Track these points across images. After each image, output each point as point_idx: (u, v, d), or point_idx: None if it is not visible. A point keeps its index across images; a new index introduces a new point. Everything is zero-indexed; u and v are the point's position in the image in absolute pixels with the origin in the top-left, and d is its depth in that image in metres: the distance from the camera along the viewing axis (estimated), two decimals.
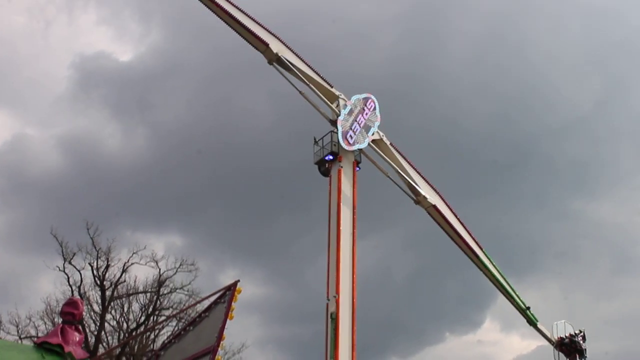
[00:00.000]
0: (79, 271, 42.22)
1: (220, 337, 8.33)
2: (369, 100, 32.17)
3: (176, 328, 40.62)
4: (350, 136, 30.73)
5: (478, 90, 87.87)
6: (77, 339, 8.82)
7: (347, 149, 30.66)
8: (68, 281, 42.09)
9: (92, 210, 62.97)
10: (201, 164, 79.73)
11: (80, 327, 9.10)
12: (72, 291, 41.66)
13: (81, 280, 42.15)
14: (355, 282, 29.64)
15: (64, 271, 42.04)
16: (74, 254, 42.04)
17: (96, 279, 42.43)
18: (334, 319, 28.36)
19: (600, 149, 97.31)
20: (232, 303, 8.37)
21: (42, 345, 8.63)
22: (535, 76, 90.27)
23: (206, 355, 8.43)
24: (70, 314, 9.08)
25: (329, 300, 29.16)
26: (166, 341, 11.55)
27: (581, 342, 37.97)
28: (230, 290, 8.48)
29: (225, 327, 8.31)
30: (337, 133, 30.73)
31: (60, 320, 9.09)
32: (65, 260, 41.97)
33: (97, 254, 42.40)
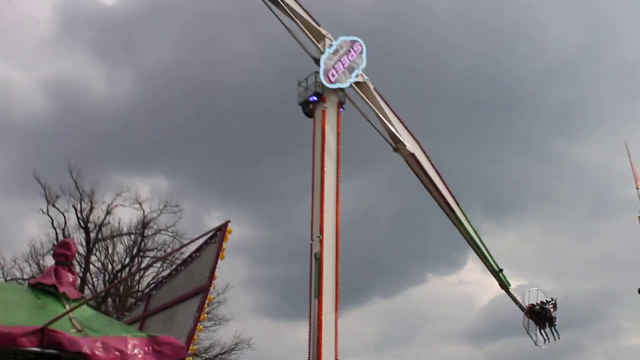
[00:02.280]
0: (62, 214, 42.27)
1: (212, 276, 8.49)
2: (356, 43, 31.87)
3: (161, 269, 41.07)
4: (332, 74, 30.54)
5: (467, 29, 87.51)
6: (71, 279, 8.94)
7: (327, 85, 30.46)
8: (52, 224, 42.15)
9: (76, 153, 62.75)
10: (187, 105, 79.32)
11: (73, 269, 9.23)
12: (57, 234, 41.77)
13: (65, 223, 42.22)
14: (339, 222, 29.94)
15: (47, 214, 42.07)
16: (57, 197, 42.04)
17: (80, 221, 42.54)
18: (318, 259, 28.73)
19: (584, 92, 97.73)
20: (223, 243, 8.51)
21: (36, 286, 8.77)
22: (524, 16, 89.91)
23: (198, 294, 8.60)
24: (63, 255, 9.17)
25: (312, 240, 29.47)
26: (157, 281, 11.73)
27: (552, 310, 37.64)
28: (220, 231, 8.61)
29: (217, 266, 8.48)
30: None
31: (54, 261, 9.21)
32: (48, 203, 41.97)
33: (81, 197, 42.42)
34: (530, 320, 37.48)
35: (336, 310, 28.72)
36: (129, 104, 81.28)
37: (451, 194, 34.00)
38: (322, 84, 30.40)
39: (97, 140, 69.62)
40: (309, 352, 27.86)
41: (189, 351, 8.26)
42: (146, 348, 7.87)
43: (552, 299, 38.20)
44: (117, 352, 7.61)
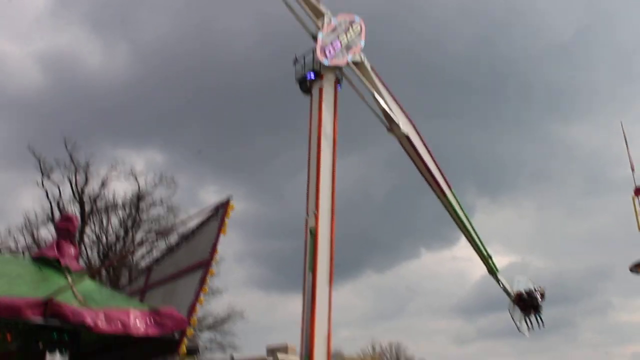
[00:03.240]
0: (57, 186, 42.30)
1: (214, 251, 8.60)
2: (356, 23, 31.61)
3: (156, 243, 41.23)
4: (329, 51, 30.27)
5: (463, 12, 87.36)
6: (73, 252, 9.05)
7: (323, 62, 30.21)
8: (47, 196, 42.19)
9: (71, 126, 62.79)
10: (184, 82, 79.15)
11: (75, 242, 9.32)
12: (52, 206, 41.85)
13: (60, 195, 42.26)
14: (335, 198, 30.00)
15: (42, 186, 42.08)
16: (52, 169, 42.06)
17: (75, 194, 42.59)
18: (313, 234, 28.83)
19: (579, 75, 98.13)
20: (225, 219, 8.60)
21: (39, 259, 8.87)
22: (520, 0, 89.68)
23: (200, 268, 8.71)
24: (65, 228, 9.28)
25: (308, 216, 29.55)
26: (158, 255, 11.84)
27: (539, 299, 37.51)
28: (223, 207, 8.70)
29: (219, 242, 8.59)
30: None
31: (56, 234, 9.31)
32: (43, 175, 41.97)
33: (76, 169, 42.41)
34: (517, 307, 37.37)
35: (330, 283, 28.89)
36: (125, 78, 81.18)
37: (444, 177, 33.75)
38: (320, 61, 30.29)
39: (93, 113, 69.59)
40: (302, 324, 28.07)
41: (191, 323, 8.38)
42: (148, 320, 7.99)
43: (541, 288, 38.12)
44: (119, 324, 7.74)
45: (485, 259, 36.19)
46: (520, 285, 37.90)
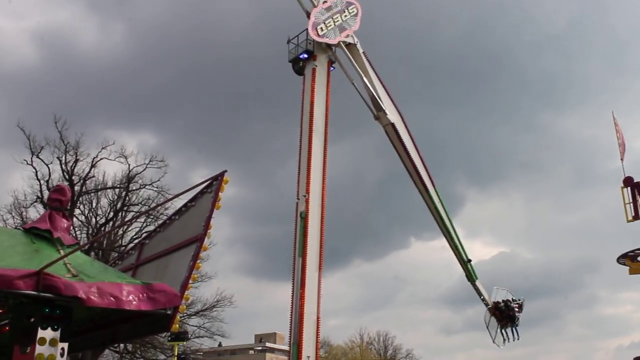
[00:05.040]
0: (47, 165, 41.99)
1: (207, 225, 8.48)
2: (352, 5, 31.22)
3: (145, 224, 41.05)
4: (321, 28, 29.93)
5: None
6: (65, 225, 8.89)
7: (314, 38, 29.89)
8: (36, 175, 41.89)
9: (63, 104, 62.14)
10: (179, 62, 78.65)
11: (67, 214, 9.17)
12: (40, 185, 41.54)
13: (49, 175, 41.96)
14: (326, 182, 29.96)
15: (32, 165, 41.78)
16: (42, 148, 41.73)
17: (64, 173, 42.28)
18: (304, 217, 28.77)
19: (572, 65, 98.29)
20: (220, 193, 8.49)
21: (30, 231, 8.72)
22: None
23: (193, 243, 8.60)
24: (57, 200, 9.10)
25: (298, 199, 29.48)
26: (151, 231, 11.73)
27: (516, 310, 36.55)
28: (217, 180, 8.58)
29: (212, 216, 8.48)
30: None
31: (48, 207, 9.16)
32: (32, 154, 41.65)
33: (66, 148, 42.11)
34: (493, 318, 36.52)
35: (319, 268, 28.88)
36: (120, 57, 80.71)
37: (428, 172, 33.21)
38: (313, 40, 30.05)
39: (86, 92, 69.13)
40: (291, 310, 28.04)
41: (183, 299, 8.29)
42: (141, 295, 7.88)
43: (519, 300, 37.31)
44: (112, 298, 7.63)
45: (464, 263, 35.37)
46: (498, 295, 37.04)
